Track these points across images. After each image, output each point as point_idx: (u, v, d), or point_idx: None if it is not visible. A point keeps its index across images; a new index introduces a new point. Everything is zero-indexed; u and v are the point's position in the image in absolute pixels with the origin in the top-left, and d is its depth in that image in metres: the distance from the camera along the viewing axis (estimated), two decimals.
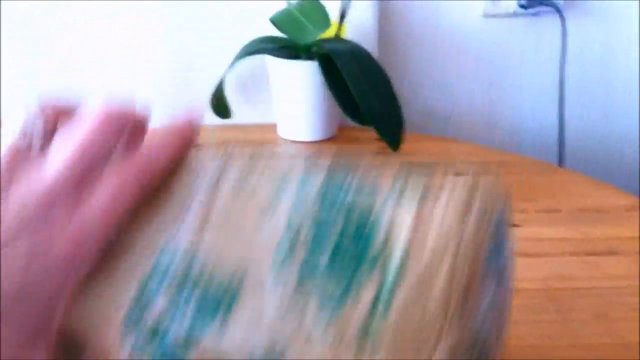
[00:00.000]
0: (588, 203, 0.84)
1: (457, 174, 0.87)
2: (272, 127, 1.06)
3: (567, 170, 1.01)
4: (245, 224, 0.34)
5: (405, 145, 0.94)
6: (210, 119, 1.05)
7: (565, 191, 0.88)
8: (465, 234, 0.31)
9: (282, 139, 1.04)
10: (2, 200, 0.29)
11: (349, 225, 0.32)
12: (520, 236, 0.73)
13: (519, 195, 0.86)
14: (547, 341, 0.57)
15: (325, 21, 0.92)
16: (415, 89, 1.16)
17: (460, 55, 1.14)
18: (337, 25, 1.01)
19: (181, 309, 0.32)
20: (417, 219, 0.31)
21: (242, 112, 1.10)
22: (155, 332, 0.32)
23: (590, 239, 0.75)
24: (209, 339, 0.31)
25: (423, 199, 0.32)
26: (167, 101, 1.08)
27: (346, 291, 0.30)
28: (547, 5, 1.10)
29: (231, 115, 1.06)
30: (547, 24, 1.13)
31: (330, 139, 1.04)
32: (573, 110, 1.17)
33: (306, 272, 0.31)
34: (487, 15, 1.12)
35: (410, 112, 1.05)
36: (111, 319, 0.32)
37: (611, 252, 0.72)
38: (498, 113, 1.18)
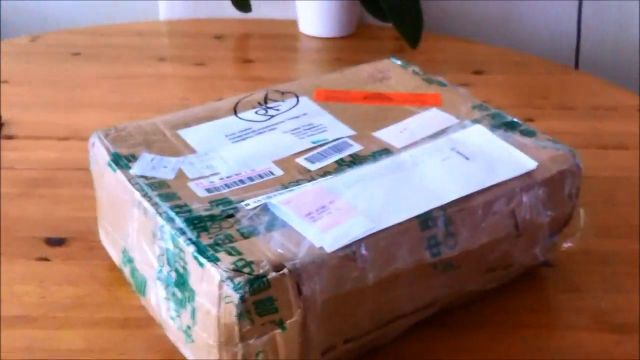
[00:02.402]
0: (601, 102, 0.86)
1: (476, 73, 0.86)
2: (293, 23, 1.06)
3: (582, 71, 1.02)
4: None
5: (424, 44, 0.95)
6: (231, 12, 1.05)
7: (579, 90, 0.90)
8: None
9: (303, 34, 1.05)
10: None
11: None
12: (536, 129, 0.77)
13: (535, 93, 0.88)
14: None
15: None
16: None
17: None
18: None
19: None
20: None
21: (262, 7, 1.07)
22: None
23: (602, 134, 0.79)
24: None
25: None
26: None
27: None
28: None
29: (251, 9, 1.03)
30: None
31: (349, 36, 1.04)
32: (589, 18, 1.11)
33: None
34: None
35: (429, 10, 1.01)
36: None
37: (621, 147, 0.77)
38: (517, 16, 1.12)
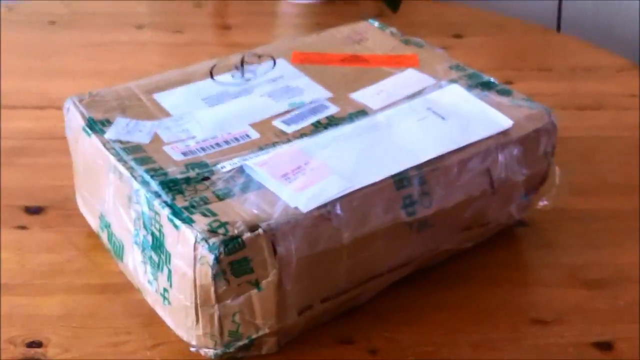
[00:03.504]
0: (579, 62, 0.86)
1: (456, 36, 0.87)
2: None
3: (561, 33, 1.02)
4: None
5: (403, 8, 0.95)
6: None
7: (558, 52, 0.90)
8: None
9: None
10: None
11: None
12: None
13: (514, 55, 0.89)
14: None
15: None
16: None
17: None
18: None
19: None
20: None
21: None
22: None
23: (579, 94, 0.80)
24: None
25: None
26: None
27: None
28: None
29: None
30: None
31: (329, 1, 1.02)
32: None
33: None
34: None
35: None
36: None
37: (598, 107, 0.77)
38: None
